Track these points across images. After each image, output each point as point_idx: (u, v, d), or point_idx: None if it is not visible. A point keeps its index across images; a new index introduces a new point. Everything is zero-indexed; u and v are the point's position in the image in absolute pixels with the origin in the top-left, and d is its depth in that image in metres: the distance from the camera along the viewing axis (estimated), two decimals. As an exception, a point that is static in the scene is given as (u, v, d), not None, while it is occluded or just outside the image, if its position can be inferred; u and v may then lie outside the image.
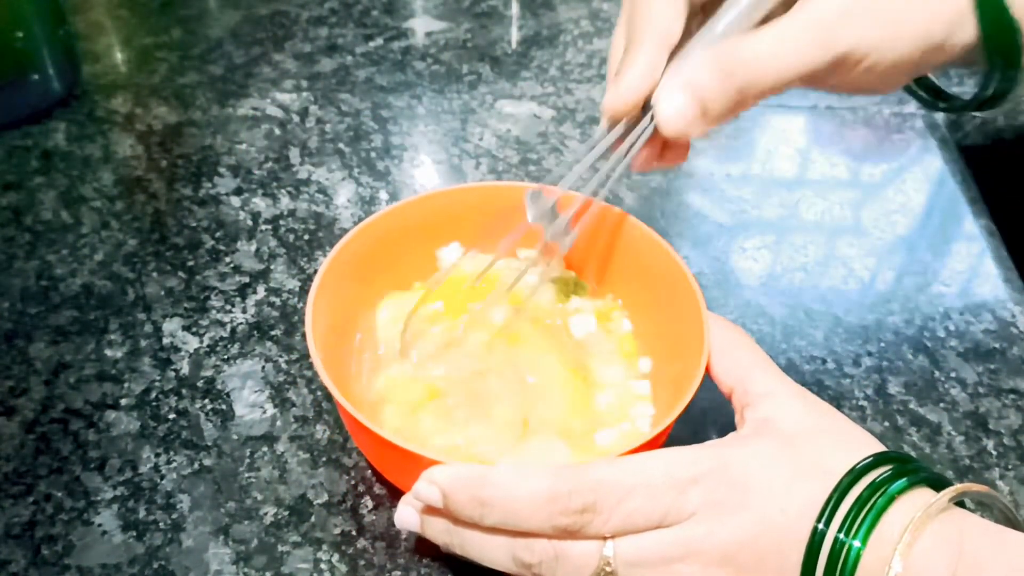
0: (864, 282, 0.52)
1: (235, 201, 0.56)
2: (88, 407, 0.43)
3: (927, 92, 0.39)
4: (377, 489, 0.40)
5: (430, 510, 0.33)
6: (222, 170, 0.58)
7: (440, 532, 0.34)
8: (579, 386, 0.40)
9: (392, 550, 0.38)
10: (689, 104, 0.33)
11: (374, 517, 0.39)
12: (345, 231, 0.42)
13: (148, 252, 0.52)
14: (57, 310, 0.48)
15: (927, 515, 0.29)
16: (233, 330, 0.48)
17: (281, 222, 0.55)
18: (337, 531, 0.39)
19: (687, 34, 0.35)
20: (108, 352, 0.46)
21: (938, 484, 0.31)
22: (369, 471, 0.41)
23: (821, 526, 0.30)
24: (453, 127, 0.63)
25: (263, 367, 0.46)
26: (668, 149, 0.38)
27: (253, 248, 0.53)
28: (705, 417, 0.42)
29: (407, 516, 0.34)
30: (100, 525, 0.38)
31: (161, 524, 0.39)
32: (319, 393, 0.44)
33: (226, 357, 0.46)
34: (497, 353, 0.40)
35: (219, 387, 0.45)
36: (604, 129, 0.36)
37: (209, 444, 0.42)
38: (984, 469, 0.42)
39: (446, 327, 0.41)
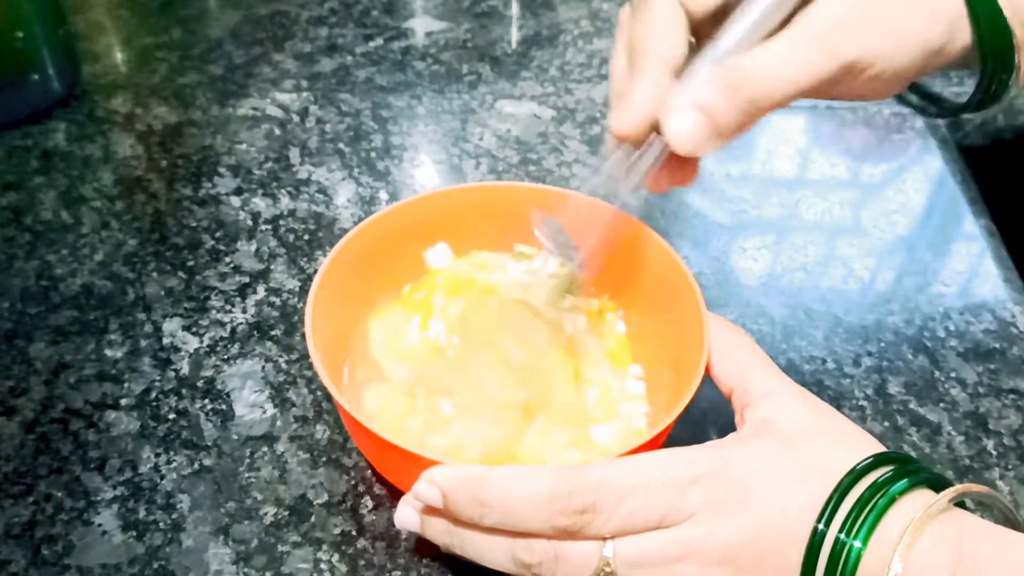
0: (864, 282, 0.52)
1: (235, 201, 0.56)
2: (88, 407, 0.43)
3: (919, 97, 0.40)
4: (377, 489, 0.40)
5: (430, 510, 0.33)
6: (222, 170, 0.58)
7: (440, 532, 0.34)
8: (576, 370, 0.40)
9: (392, 550, 0.38)
10: (700, 122, 0.33)
11: (374, 517, 0.39)
12: (345, 231, 0.42)
13: (148, 252, 0.52)
14: (57, 310, 0.48)
15: (927, 516, 0.29)
16: (233, 330, 0.48)
17: (281, 222, 0.55)
18: (337, 531, 0.39)
19: (690, 47, 0.35)
20: (108, 352, 0.46)
21: (938, 485, 0.31)
22: (369, 471, 0.41)
23: (821, 526, 0.30)
24: (453, 127, 0.63)
25: (263, 367, 0.46)
26: (678, 169, 0.37)
27: (253, 248, 0.53)
28: (705, 417, 0.42)
29: (407, 516, 0.34)
30: (100, 525, 0.39)
31: (161, 524, 0.39)
32: (319, 393, 0.44)
33: (226, 357, 0.46)
34: (490, 340, 0.40)
35: (219, 387, 0.45)
36: (611, 148, 0.36)
37: (209, 444, 0.42)
38: (984, 469, 0.42)
39: (438, 333, 0.41)
